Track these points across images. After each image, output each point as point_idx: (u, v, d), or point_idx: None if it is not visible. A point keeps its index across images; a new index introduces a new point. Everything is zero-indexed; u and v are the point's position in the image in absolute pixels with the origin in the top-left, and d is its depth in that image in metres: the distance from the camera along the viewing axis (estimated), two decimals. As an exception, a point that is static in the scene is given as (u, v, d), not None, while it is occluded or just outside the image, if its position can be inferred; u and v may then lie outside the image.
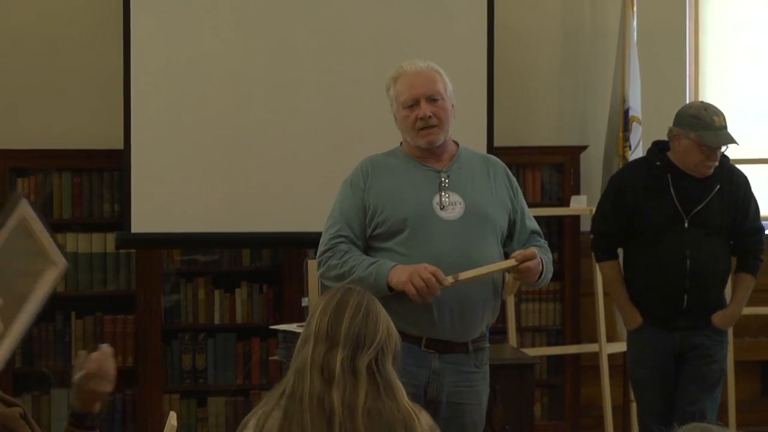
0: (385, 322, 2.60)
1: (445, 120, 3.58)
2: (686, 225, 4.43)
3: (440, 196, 3.56)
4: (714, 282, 4.49)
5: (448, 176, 3.59)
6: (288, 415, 2.48)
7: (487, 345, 3.67)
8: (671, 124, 4.52)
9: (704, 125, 4.37)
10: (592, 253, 4.86)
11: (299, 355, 2.55)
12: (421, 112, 3.54)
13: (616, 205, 4.57)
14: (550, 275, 3.67)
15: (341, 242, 3.55)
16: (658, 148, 4.57)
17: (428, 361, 3.50)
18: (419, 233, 3.51)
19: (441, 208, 3.54)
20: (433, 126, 3.56)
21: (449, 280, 3.39)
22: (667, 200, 4.44)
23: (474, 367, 3.58)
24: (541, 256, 3.57)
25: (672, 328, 4.46)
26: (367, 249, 3.58)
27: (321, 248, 3.60)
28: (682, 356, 4.49)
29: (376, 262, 3.48)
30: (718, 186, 4.46)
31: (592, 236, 4.77)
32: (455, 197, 3.56)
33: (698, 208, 4.43)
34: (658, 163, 4.51)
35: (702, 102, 4.58)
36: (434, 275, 3.37)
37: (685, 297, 4.43)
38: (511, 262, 3.48)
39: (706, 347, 4.47)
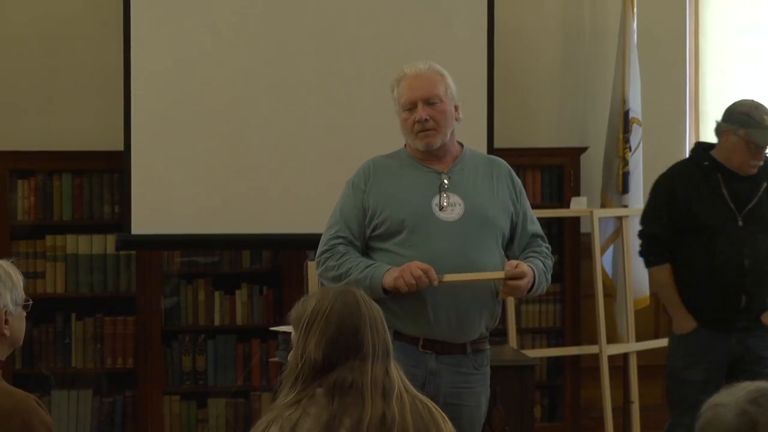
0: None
1: (443, 123, 3.59)
2: (740, 223, 4.41)
3: (440, 197, 3.57)
4: None
5: (450, 177, 3.60)
6: None
7: (488, 347, 3.67)
8: (719, 120, 4.52)
9: (754, 123, 4.38)
10: (644, 258, 4.68)
11: (344, 373, 2.43)
12: (417, 115, 3.56)
13: (669, 206, 4.52)
14: (546, 284, 3.67)
15: (339, 243, 3.58)
16: (702, 148, 4.57)
17: (425, 362, 3.51)
18: (417, 234, 3.52)
19: (440, 210, 3.55)
20: (429, 129, 3.57)
21: (437, 281, 3.42)
22: (720, 199, 4.42)
23: (473, 368, 3.59)
24: (533, 267, 3.56)
25: (729, 330, 4.43)
26: (367, 249, 3.60)
27: (320, 248, 3.63)
28: (738, 361, 4.44)
29: (371, 264, 3.51)
30: (765, 183, 4.46)
31: (640, 241, 4.67)
32: (455, 198, 3.57)
33: (750, 205, 4.42)
34: (705, 162, 4.49)
35: (753, 100, 4.54)
36: (426, 273, 3.40)
37: (743, 296, 4.39)
38: (499, 275, 3.50)
39: (762, 349, 4.45)
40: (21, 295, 2.76)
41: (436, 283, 3.41)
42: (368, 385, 2.42)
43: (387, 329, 2.53)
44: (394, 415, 2.40)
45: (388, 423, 2.39)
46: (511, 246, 3.66)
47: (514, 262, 3.52)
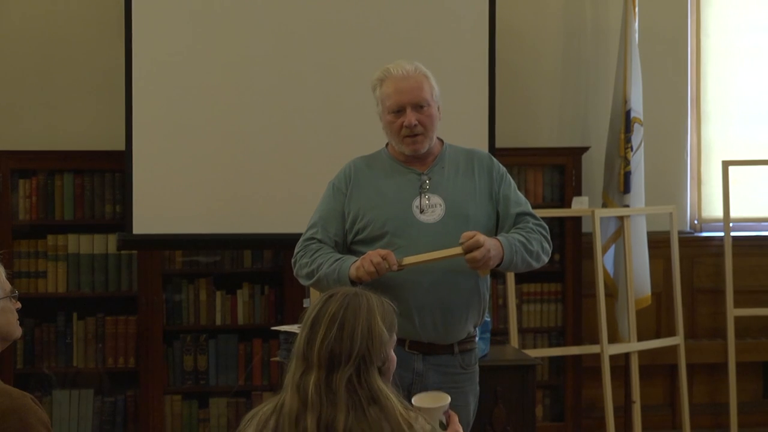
0: (365, 328, 2.44)
1: (431, 127, 3.56)
2: None
3: (420, 199, 3.55)
4: None
5: (430, 178, 3.58)
6: (278, 429, 2.42)
7: (476, 346, 3.66)
8: None
9: None
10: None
11: (304, 374, 2.46)
12: (407, 120, 3.52)
13: None
14: (534, 259, 3.57)
15: (313, 243, 3.59)
16: None
17: (411, 363, 3.49)
18: (399, 238, 3.51)
19: (420, 212, 3.54)
20: (418, 134, 3.54)
21: (396, 265, 3.39)
22: None
23: (460, 368, 3.57)
24: (500, 239, 3.48)
25: None
26: (351, 252, 3.59)
27: (295, 249, 3.64)
28: None
29: (340, 258, 3.51)
30: None
31: None
32: (436, 199, 3.55)
33: None
34: None
35: None
36: (385, 258, 3.37)
37: None
38: (457, 250, 3.41)
39: None
40: (5, 286, 2.72)
41: (395, 267, 3.38)
42: (288, 382, 2.43)
43: (316, 338, 2.43)
44: (307, 427, 2.37)
45: (301, 427, 2.38)
46: (501, 233, 3.58)
47: (470, 233, 3.41)
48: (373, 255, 3.39)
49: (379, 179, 3.60)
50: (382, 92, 3.58)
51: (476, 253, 3.38)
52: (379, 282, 3.37)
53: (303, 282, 3.64)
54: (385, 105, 3.57)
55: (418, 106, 3.53)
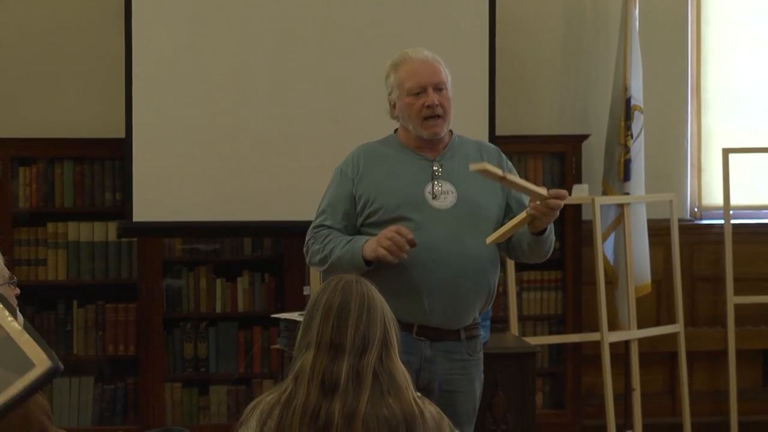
0: (382, 307, 2.48)
1: (449, 111, 3.58)
2: None
3: (432, 185, 3.56)
4: None
5: (441, 165, 3.59)
6: (281, 424, 2.41)
7: (480, 333, 3.67)
8: None
9: None
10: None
11: (299, 359, 2.46)
12: (429, 99, 3.53)
13: None
14: (551, 245, 3.64)
15: (323, 229, 3.59)
16: None
17: (419, 349, 3.51)
18: (412, 222, 3.51)
19: (433, 198, 3.55)
20: (437, 116, 3.55)
21: (410, 234, 3.39)
22: None
23: (467, 354, 3.59)
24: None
25: None
26: (361, 234, 3.59)
27: (306, 238, 3.64)
28: None
29: (351, 239, 3.51)
30: None
31: None
32: (448, 186, 3.56)
33: None
34: None
35: None
36: (397, 232, 3.38)
37: None
38: (543, 190, 3.37)
39: None
40: (4, 273, 2.71)
41: (410, 235, 3.38)
42: (306, 373, 2.41)
43: (347, 324, 2.44)
44: (334, 415, 2.37)
45: (321, 419, 2.37)
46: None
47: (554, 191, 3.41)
48: (386, 231, 3.40)
49: (390, 163, 3.60)
50: (398, 76, 3.58)
51: (559, 202, 3.37)
52: (391, 266, 3.40)
53: (316, 268, 3.64)
54: (404, 87, 3.56)
55: (438, 88, 3.55)
